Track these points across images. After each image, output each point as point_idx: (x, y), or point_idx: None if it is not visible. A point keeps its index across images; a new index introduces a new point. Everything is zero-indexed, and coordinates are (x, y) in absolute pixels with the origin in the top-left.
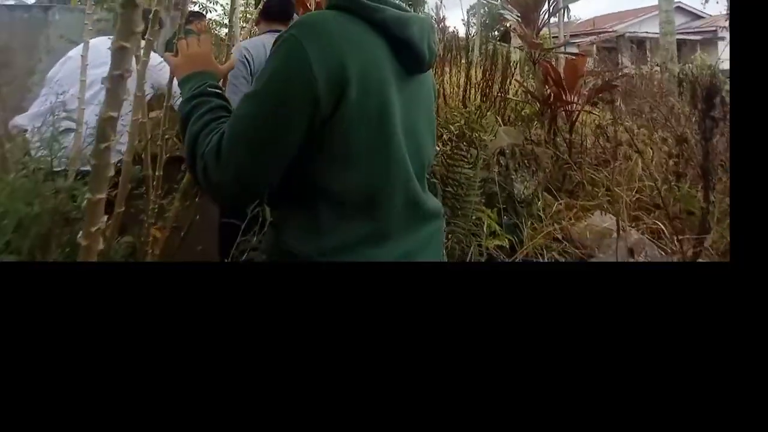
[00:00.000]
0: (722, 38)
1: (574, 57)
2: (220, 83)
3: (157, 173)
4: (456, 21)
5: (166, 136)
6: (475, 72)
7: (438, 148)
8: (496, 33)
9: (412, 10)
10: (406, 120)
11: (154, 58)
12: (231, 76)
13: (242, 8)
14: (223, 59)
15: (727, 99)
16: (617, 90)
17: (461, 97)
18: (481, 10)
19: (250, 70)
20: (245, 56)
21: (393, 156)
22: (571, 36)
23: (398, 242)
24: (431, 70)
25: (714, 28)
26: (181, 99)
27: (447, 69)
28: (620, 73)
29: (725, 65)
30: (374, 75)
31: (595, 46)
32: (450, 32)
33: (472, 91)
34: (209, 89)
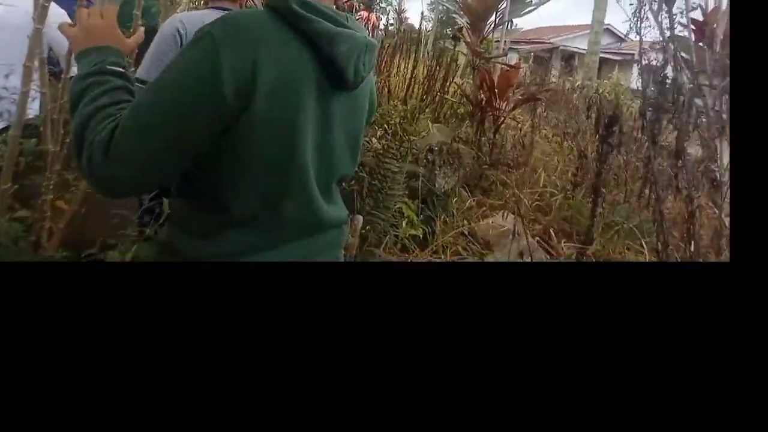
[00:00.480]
0: (637, 61)
1: (509, 68)
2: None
3: (53, 148)
4: (416, 12)
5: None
6: (422, 69)
7: (373, 141)
8: (449, 31)
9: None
10: (323, 134)
11: (56, 14)
12: (158, 51)
13: None
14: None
15: (625, 128)
16: (541, 102)
17: (404, 93)
18: (440, 7)
19: (182, 45)
20: (178, 29)
21: (293, 172)
22: (512, 42)
23: (290, 250)
24: (373, 79)
25: (633, 52)
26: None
27: (397, 61)
28: (545, 88)
29: (636, 85)
30: (289, 87)
31: (532, 54)
32: (408, 23)
33: (416, 88)
34: (108, 67)
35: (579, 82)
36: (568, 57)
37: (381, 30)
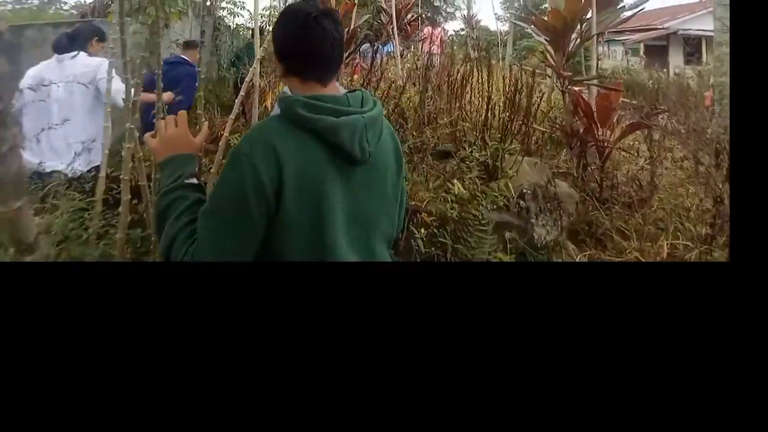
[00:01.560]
0: None
1: (606, 89)
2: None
3: (155, 236)
4: (488, 14)
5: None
6: (503, 81)
7: (454, 189)
8: (530, 29)
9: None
10: (353, 205)
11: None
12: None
13: (266, 12)
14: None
15: None
16: (657, 126)
17: (482, 123)
18: (515, 4)
19: None
20: None
21: (326, 242)
22: (616, 32)
23: None
24: (388, 136)
25: None
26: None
27: (476, 72)
28: (659, 109)
29: None
30: (310, 174)
31: (642, 44)
32: (481, 26)
33: (496, 111)
34: (186, 182)
35: (712, 80)
36: (695, 43)
37: (451, 36)
